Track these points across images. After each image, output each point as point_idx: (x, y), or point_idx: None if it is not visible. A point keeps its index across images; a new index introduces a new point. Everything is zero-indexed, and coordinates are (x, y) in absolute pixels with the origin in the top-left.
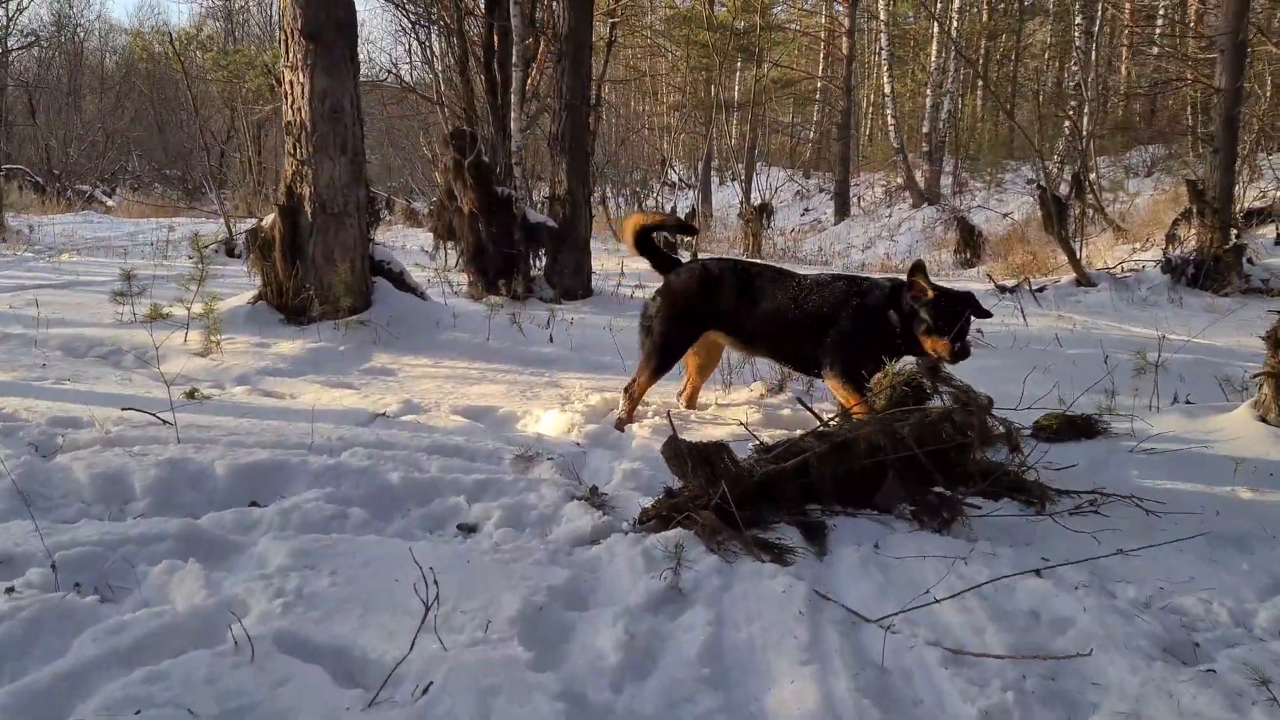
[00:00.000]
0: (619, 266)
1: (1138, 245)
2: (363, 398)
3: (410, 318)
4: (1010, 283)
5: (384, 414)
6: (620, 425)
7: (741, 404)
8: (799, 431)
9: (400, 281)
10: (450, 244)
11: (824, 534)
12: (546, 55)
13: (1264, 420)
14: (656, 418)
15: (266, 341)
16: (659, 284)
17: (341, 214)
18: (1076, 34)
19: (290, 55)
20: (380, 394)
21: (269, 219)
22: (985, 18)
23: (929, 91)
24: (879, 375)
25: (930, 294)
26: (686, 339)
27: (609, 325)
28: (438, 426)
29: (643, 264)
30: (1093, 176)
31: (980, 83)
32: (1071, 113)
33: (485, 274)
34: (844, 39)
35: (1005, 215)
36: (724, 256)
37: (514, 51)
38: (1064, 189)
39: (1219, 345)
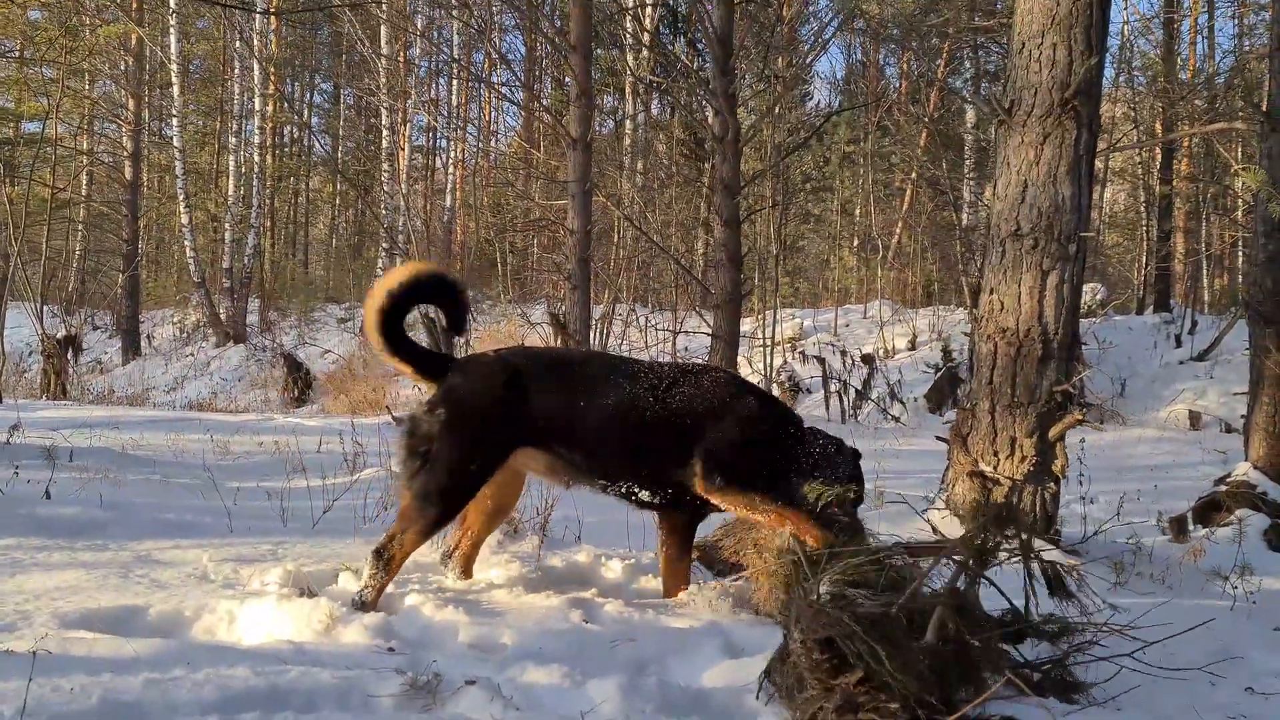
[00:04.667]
0: None
1: None
2: None
3: None
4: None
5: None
6: (366, 606)
7: (477, 560)
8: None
9: None
10: None
11: None
12: None
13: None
14: (418, 590)
15: None
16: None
17: None
18: (385, 178)
19: None
20: None
21: None
22: (271, 160)
23: (227, 226)
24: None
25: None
26: (489, 466)
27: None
28: (100, 657)
29: None
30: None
31: (270, 224)
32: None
33: None
34: (128, 163)
35: (325, 353)
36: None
37: None
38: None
39: None
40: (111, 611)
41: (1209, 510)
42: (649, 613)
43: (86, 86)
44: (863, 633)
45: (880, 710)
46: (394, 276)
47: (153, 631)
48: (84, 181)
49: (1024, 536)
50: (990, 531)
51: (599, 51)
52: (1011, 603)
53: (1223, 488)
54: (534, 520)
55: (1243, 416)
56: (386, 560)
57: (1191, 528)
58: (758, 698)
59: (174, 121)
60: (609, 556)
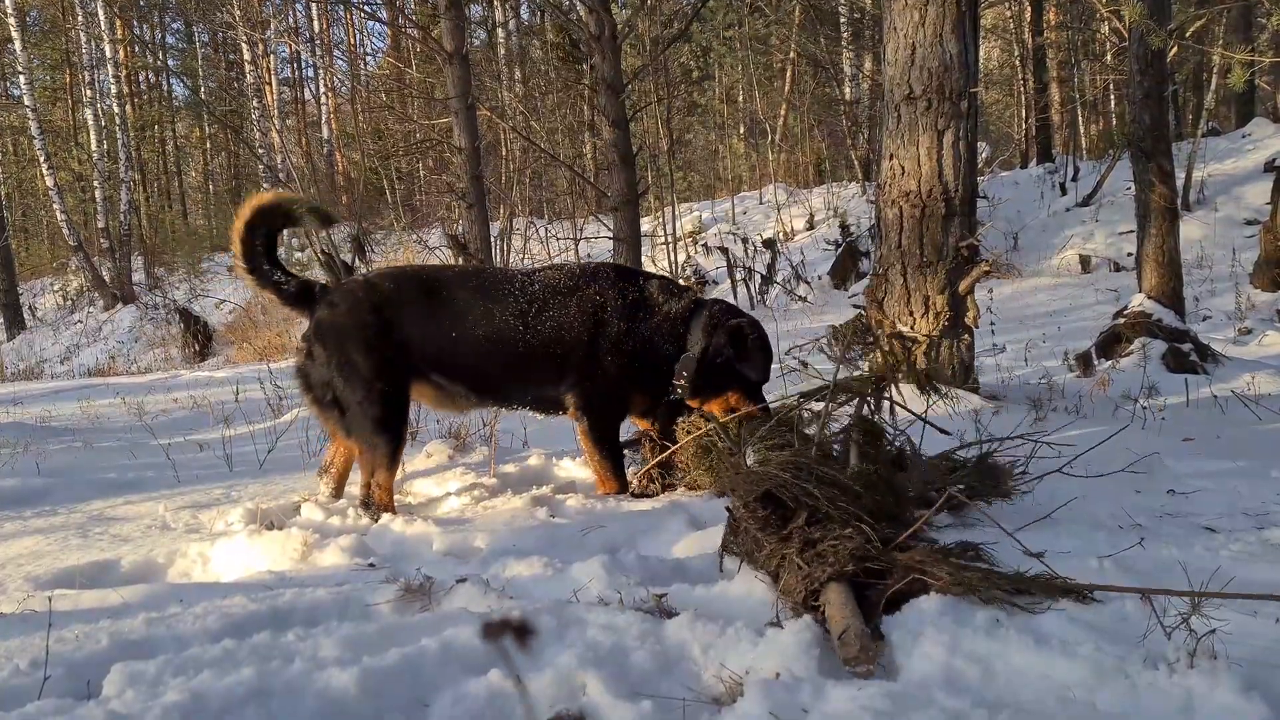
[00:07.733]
0: None
1: None
2: None
3: None
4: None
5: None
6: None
7: (432, 476)
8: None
9: None
10: None
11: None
12: None
13: None
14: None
15: None
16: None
17: None
18: (256, 116)
19: None
20: None
21: None
22: (131, 110)
23: (96, 183)
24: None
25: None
26: (396, 381)
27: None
28: (90, 608)
29: None
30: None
31: (140, 177)
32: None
33: None
34: None
35: (221, 303)
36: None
37: None
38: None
39: None
40: (83, 569)
41: (1111, 343)
42: (610, 502)
43: None
44: (791, 478)
45: (838, 538)
46: (241, 212)
47: (130, 581)
48: None
49: (881, 344)
50: (854, 336)
51: None
52: (941, 430)
53: (1121, 320)
54: (481, 432)
55: (1129, 255)
56: (376, 505)
57: (1096, 361)
58: (721, 570)
59: (21, 79)
60: (559, 457)
